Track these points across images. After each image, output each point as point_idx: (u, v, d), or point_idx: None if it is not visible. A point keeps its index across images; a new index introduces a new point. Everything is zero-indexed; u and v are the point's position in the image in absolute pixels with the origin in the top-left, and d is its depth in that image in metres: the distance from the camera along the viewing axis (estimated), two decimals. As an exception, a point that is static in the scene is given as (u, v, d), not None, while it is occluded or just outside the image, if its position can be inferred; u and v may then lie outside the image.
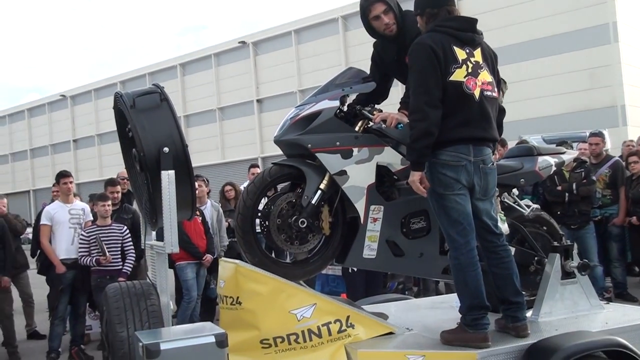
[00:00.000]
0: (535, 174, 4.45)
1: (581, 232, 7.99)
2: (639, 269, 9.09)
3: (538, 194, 8.42)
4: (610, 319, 4.03)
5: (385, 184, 4.05)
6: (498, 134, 3.86)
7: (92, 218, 7.66)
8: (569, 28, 28.66)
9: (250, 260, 3.90)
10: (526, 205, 4.45)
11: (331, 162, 3.85)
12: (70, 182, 7.59)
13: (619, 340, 3.49)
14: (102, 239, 7.18)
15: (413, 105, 3.57)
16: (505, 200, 4.42)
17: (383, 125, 3.93)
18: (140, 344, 3.13)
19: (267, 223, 3.89)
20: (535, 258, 4.34)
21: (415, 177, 3.59)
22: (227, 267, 3.86)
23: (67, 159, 43.50)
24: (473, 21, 3.78)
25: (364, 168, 3.90)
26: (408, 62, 3.67)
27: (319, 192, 3.87)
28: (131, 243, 7.45)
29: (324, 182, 3.89)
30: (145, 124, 3.57)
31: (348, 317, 3.85)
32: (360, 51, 33.94)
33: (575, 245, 8.00)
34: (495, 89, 3.79)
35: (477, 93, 3.63)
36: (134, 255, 7.41)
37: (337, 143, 3.86)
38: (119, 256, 7.31)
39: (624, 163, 8.67)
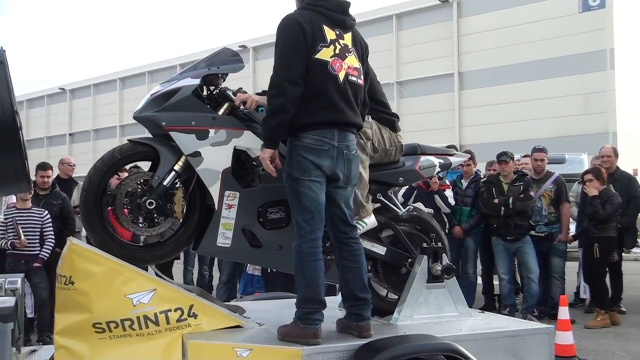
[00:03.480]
0: (415, 173, 4.28)
1: (518, 245, 7.86)
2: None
3: (478, 205, 8.26)
4: (470, 327, 3.84)
5: (243, 170, 3.85)
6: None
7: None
8: (567, 52, 28.57)
9: (93, 239, 3.72)
10: (403, 205, 4.25)
11: (185, 142, 3.67)
12: None
13: (453, 346, 3.29)
14: (19, 222, 7.02)
15: (272, 80, 3.41)
16: (382, 198, 4.22)
17: (242, 107, 3.76)
18: None
19: (114, 202, 3.70)
20: (409, 260, 4.14)
21: (266, 154, 3.43)
22: (66, 245, 3.67)
23: (62, 152, 43.41)
24: (345, 4, 3.64)
25: (220, 151, 3.71)
26: (276, 36, 3.51)
27: (173, 173, 3.69)
28: (51, 228, 7.29)
29: (179, 163, 3.71)
30: None
31: (191, 306, 3.67)
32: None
33: (516, 260, 7.98)
34: (362, 77, 3.65)
35: (341, 75, 3.50)
36: (52, 240, 7.25)
37: (193, 123, 3.68)
38: (37, 241, 7.16)
39: None
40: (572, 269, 9.09)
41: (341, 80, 3.50)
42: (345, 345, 3.35)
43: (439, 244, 4.12)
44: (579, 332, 7.53)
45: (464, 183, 8.49)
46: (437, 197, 8.05)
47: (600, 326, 7.74)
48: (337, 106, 3.47)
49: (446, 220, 8.22)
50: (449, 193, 8.18)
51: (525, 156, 9.26)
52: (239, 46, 36.72)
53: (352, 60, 3.59)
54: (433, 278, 3.98)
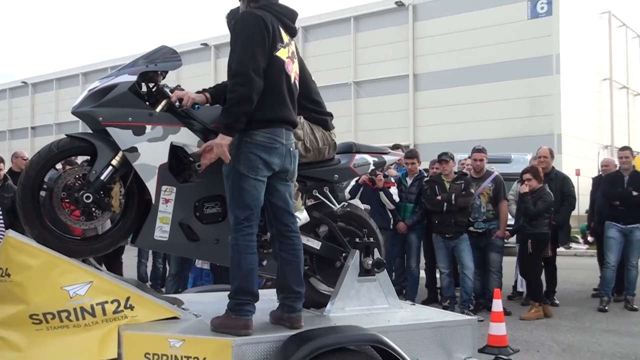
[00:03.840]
0: (350, 171, 4.30)
1: (455, 242, 8.00)
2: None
3: (421, 202, 8.36)
4: (399, 318, 3.89)
5: (181, 165, 3.83)
6: None
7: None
8: (516, 57, 29.11)
9: (30, 233, 3.65)
10: (338, 202, 4.28)
11: (122, 137, 3.62)
12: None
13: (377, 337, 3.33)
14: (-36, 213, 6.86)
15: (237, 69, 3.37)
16: (318, 195, 4.24)
17: (179, 105, 3.73)
18: None
19: (52, 196, 3.64)
20: (343, 254, 4.17)
21: (225, 140, 3.37)
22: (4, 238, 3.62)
23: (23, 145, 42.55)
24: (295, 13, 3.71)
25: (157, 147, 3.68)
26: (234, 30, 3.51)
27: (110, 167, 3.65)
28: (2, 221, 7.13)
29: (116, 158, 3.66)
30: None
31: (128, 298, 3.64)
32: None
33: (455, 255, 8.08)
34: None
35: (292, 77, 3.59)
36: (2, 232, 7.08)
37: (130, 118, 3.64)
38: (-17, 233, 6.99)
39: None
40: (511, 263, 9.26)
41: (292, 81, 3.57)
42: (275, 336, 3.37)
43: (372, 239, 4.15)
44: (514, 324, 7.70)
45: (409, 181, 8.59)
46: (382, 194, 8.13)
47: (534, 318, 7.92)
48: (288, 105, 3.53)
49: (391, 216, 8.30)
50: (393, 190, 8.27)
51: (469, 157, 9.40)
52: (201, 44, 36.45)
53: (297, 67, 3.69)
54: (365, 272, 4.01)
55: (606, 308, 8.55)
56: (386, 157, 4.50)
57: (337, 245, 4.22)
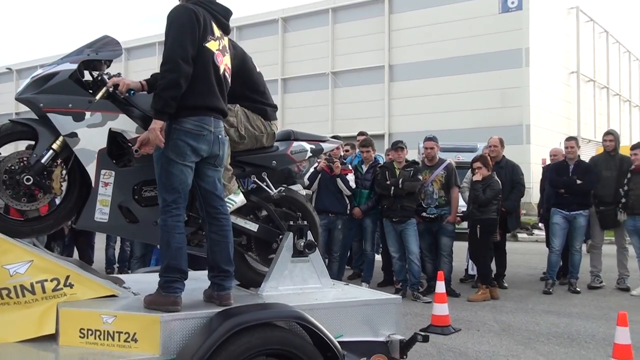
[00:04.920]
0: (287, 157, 4.37)
1: (402, 226, 8.13)
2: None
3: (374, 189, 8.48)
4: (328, 297, 3.99)
5: (121, 150, 3.90)
6: None
7: None
8: (487, 50, 29.33)
9: None
10: (275, 187, 4.36)
11: (62, 123, 3.68)
12: None
13: (299, 314, 3.42)
14: None
15: (167, 57, 3.45)
16: (256, 180, 4.33)
17: (117, 91, 3.79)
18: None
19: None
20: (280, 236, 4.26)
21: (157, 125, 3.43)
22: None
23: (7, 130, 42.19)
24: (229, 11, 3.79)
25: (96, 132, 3.74)
26: (167, 22, 3.57)
27: (51, 151, 3.70)
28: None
29: (57, 142, 3.72)
30: None
31: (68, 276, 3.69)
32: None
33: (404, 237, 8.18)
34: (230, 76, 3.81)
35: (221, 69, 3.66)
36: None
37: (70, 105, 3.70)
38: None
39: None
40: (464, 248, 9.41)
41: (221, 72, 3.64)
42: (202, 313, 3.44)
43: (305, 222, 4.24)
44: (462, 305, 7.88)
45: (364, 168, 8.70)
46: (339, 180, 8.23)
47: (481, 299, 8.09)
48: (216, 94, 3.60)
49: (347, 202, 8.41)
50: (350, 177, 8.37)
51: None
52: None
53: (228, 60, 3.77)
54: (298, 253, 4.10)
55: (551, 291, 8.74)
56: (324, 145, 4.58)
57: (274, 227, 4.30)
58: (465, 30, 29.78)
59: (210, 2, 3.69)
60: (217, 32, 3.65)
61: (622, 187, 8.60)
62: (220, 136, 3.64)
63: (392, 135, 30.77)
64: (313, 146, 4.48)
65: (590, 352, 5.73)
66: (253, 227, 4.25)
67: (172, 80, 3.39)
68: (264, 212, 4.42)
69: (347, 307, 3.87)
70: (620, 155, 9.09)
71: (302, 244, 4.09)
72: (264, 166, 4.35)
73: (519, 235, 18.78)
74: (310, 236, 4.16)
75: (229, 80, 3.79)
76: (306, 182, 8.35)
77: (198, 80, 3.50)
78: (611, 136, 9.16)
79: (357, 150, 9.20)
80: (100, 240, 10.24)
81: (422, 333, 3.83)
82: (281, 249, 4.09)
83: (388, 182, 8.04)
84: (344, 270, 9.02)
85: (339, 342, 3.61)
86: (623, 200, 8.58)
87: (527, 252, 13.90)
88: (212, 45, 3.58)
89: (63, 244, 9.52)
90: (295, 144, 4.40)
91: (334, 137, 5.44)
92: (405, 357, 3.86)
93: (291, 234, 4.12)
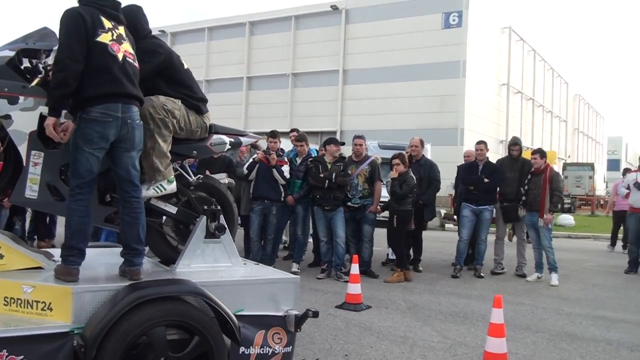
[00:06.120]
0: (207, 149, 4.34)
1: (332, 214, 8.19)
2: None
3: (307, 179, 8.51)
4: (235, 275, 4.00)
5: None
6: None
7: None
8: (429, 60, 29.72)
9: None
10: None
11: None
12: None
13: (198, 289, 3.43)
14: None
15: (56, 59, 3.42)
16: (177, 167, 4.30)
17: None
18: None
19: None
20: (197, 219, 4.25)
21: (49, 121, 3.41)
22: None
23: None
24: (117, 4, 3.73)
25: (28, 115, 3.67)
26: (58, 26, 3.52)
27: None
28: None
29: None
30: None
31: None
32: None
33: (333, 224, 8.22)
34: (136, 62, 3.74)
35: (120, 56, 3.57)
36: None
37: (5, 89, 3.62)
38: None
39: None
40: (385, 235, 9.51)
41: (120, 59, 3.56)
42: (112, 286, 3.42)
43: (219, 207, 4.25)
44: (377, 285, 7.99)
45: (298, 160, 8.72)
46: (274, 170, 8.24)
47: (395, 281, 8.22)
48: (119, 80, 3.52)
49: (282, 190, 8.43)
50: (285, 168, 8.38)
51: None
52: (159, 31, 35.62)
53: (127, 47, 3.67)
54: (210, 235, 4.10)
55: (458, 275, 8.94)
56: (242, 139, 4.56)
57: (192, 210, 4.29)
58: (411, 42, 30.12)
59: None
60: (108, 24, 3.58)
61: (523, 187, 8.84)
62: (129, 121, 3.55)
63: (344, 132, 30.94)
64: (232, 139, 4.47)
65: (478, 330, 5.89)
66: (172, 209, 4.23)
67: (60, 79, 3.36)
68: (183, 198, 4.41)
69: (251, 285, 3.88)
70: (522, 159, 9.33)
71: (214, 226, 4.10)
72: (186, 155, 4.34)
73: (446, 225, 19.11)
74: (222, 220, 4.17)
75: (134, 63, 3.70)
76: (245, 171, 8.33)
77: (96, 71, 3.45)
78: (517, 146, 9.41)
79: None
80: (61, 219, 10.04)
81: (313, 310, 3.88)
82: (195, 230, 4.09)
83: (322, 176, 8.08)
84: (277, 251, 9.05)
85: (239, 315, 3.65)
86: (523, 198, 8.82)
87: (449, 241, 14.13)
88: (104, 37, 3.50)
89: (24, 219, 9.33)
90: (215, 136, 4.37)
91: (254, 133, 5.43)
92: (299, 330, 3.91)
93: (204, 217, 4.12)
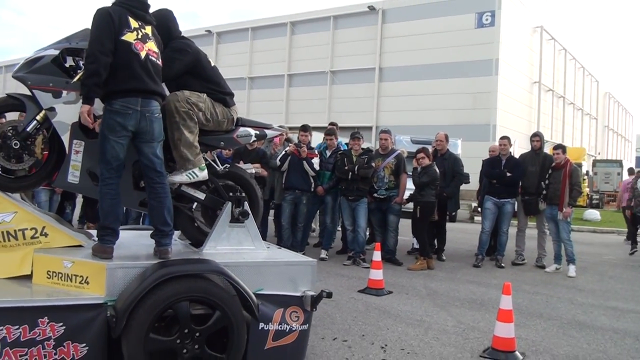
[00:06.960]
0: (234, 140, 4.43)
1: (356, 204, 8.22)
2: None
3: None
4: (257, 257, 4.07)
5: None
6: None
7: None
8: (463, 59, 29.20)
9: None
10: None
11: (44, 98, 3.79)
12: None
13: (219, 267, 3.54)
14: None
15: (88, 52, 3.57)
16: (205, 157, 4.42)
17: None
18: None
19: None
20: (223, 204, 4.36)
21: (83, 109, 3.58)
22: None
23: None
24: (146, 5, 3.85)
25: (70, 108, 3.84)
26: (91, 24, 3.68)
27: (35, 122, 3.83)
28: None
29: (40, 114, 3.84)
30: None
31: (44, 227, 3.81)
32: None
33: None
34: (160, 59, 3.86)
35: (143, 54, 3.69)
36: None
37: (50, 84, 3.81)
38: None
39: None
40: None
41: (142, 57, 3.69)
42: (142, 263, 3.57)
43: (243, 194, 4.35)
44: (401, 273, 8.01)
45: (328, 153, 8.78)
46: (305, 163, 8.33)
47: (418, 269, 8.22)
48: (139, 77, 3.65)
49: (312, 181, 8.52)
50: (315, 160, 8.46)
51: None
52: (205, 31, 36.14)
53: (152, 45, 3.79)
54: (235, 219, 4.21)
55: (480, 265, 8.86)
56: (267, 132, 4.63)
57: (220, 197, 4.40)
58: (445, 41, 29.65)
59: (128, 0, 3.74)
60: (135, 23, 3.70)
61: (544, 181, 8.69)
62: (148, 114, 3.68)
63: (380, 127, 30.75)
64: (257, 132, 4.54)
65: (492, 316, 5.82)
66: (201, 195, 4.35)
67: (93, 70, 3.51)
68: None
69: (270, 266, 3.96)
70: (544, 154, 9.16)
71: (238, 212, 4.20)
72: (214, 146, 4.45)
73: (476, 218, 18.85)
74: (246, 206, 4.27)
75: (157, 61, 3.82)
76: (278, 162, 8.45)
77: (120, 68, 3.59)
78: (538, 137, 9.23)
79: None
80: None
81: (327, 291, 3.94)
82: (221, 215, 4.20)
83: (346, 168, 8.13)
84: (307, 238, 9.15)
85: (259, 294, 3.74)
86: (544, 192, 8.67)
87: (476, 233, 13.96)
88: (129, 36, 3.64)
89: (74, 204, 9.67)
90: (241, 129, 4.45)
91: (279, 126, 5.50)
92: (315, 309, 3.99)
93: (230, 203, 4.23)
